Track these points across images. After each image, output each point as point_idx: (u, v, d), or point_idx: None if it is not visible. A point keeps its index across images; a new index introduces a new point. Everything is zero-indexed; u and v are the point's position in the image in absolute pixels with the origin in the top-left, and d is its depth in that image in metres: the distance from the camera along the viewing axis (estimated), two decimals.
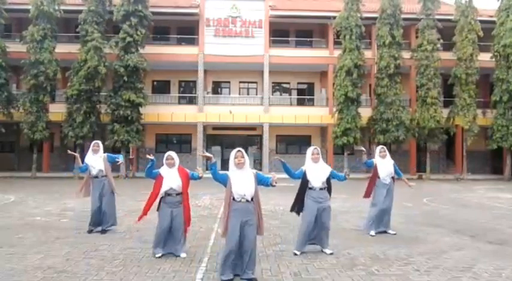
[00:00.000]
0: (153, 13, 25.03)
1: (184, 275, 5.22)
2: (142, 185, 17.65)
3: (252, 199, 4.93)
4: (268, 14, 27.02)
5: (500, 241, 7.46)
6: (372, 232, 7.77)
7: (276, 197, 12.73)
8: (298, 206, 6.41)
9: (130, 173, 24.45)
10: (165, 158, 6.15)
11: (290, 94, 30.31)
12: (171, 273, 5.30)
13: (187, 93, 29.72)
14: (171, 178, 6.01)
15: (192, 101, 28.76)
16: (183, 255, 6.02)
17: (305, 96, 29.86)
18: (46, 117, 23.60)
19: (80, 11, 23.57)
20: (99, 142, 8.07)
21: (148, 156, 6.38)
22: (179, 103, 28.75)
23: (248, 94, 29.76)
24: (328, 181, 6.36)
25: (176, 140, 29.39)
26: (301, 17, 27.65)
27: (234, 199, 4.90)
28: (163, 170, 6.10)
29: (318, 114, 27.30)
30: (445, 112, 25.27)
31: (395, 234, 7.84)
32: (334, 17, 25.29)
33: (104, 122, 24.31)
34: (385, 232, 7.89)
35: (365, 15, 25.13)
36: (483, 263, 5.89)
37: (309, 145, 29.36)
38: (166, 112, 26.50)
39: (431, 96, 24.37)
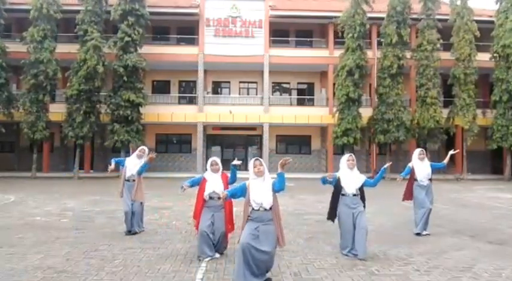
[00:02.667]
0: (153, 13, 25.02)
1: (184, 275, 5.23)
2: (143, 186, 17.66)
3: (270, 208, 4.90)
4: (268, 14, 27.01)
5: (500, 241, 7.46)
6: (424, 232, 7.86)
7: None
8: (332, 213, 6.44)
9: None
10: (209, 164, 6.27)
11: (290, 94, 30.32)
12: (171, 273, 5.31)
13: (187, 93, 29.72)
14: (214, 182, 6.14)
15: (192, 101, 28.76)
16: (217, 255, 6.07)
17: (305, 96, 29.85)
18: (46, 117, 23.58)
19: (78, 11, 23.57)
20: (145, 148, 8.04)
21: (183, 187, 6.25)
22: (179, 103, 28.75)
23: (248, 94, 29.76)
24: (361, 188, 6.37)
25: (176, 140, 29.39)
26: (301, 17, 27.64)
27: (252, 208, 4.92)
28: (208, 175, 6.25)
29: (318, 114, 27.29)
30: (444, 112, 25.25)
31: (429, 235, 7.85)
32: (335, 17, 25.25)
33: (104, 122, 24.29)
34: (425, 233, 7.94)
35: (369, 14, 25.03)
36: (483, 263, 5.89)
37: (309, 145, 29.44)
38: (166, 112, 26.50)
39: (431, 96, 24.36)
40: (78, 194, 14.66)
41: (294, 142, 29.44)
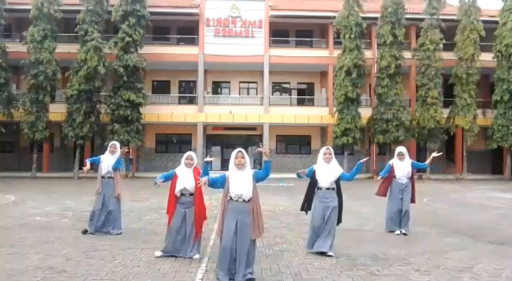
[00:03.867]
0: (153, 13, 25.04)
1: (184, 275, 5.22)
2: (142, 186, 17.66)
3: (249, 200, 4.90)
4: (268, 14, 27.02)
5: (500, 241, 7.46)
6: (402, 230, 7.85)
7: (276, 197, 12.74)
8: (306, 205, 6.40)
9: (130, 173, 24.46)
10: (184, 157, 6.11)
11: (290, 94, 30.31)
12: (171, 273, 5.30)
13: (187, 93, 29.72)
14: (185, 178, 5.99)
15: (192, 101, 28.76)
16: (196, 256, 5.96)
17: (305, 96, 29.85)
18: (46, 117, 23.57)
19: (79, 11, 23.57)
20: (117, 143, 7.98)
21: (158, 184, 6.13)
22: (179, 103, 28.75)
23: (248, 94, 29.76)
24: (337, 182, 6.33)
25: (176, 140, 29.39)
26: (301, 17, 27.64)
27: (231, 198, 4.89)
28: (180, 170, 6.08)
29: (318, 114, 27.29)
30: (445, 112, 25.26)
31: (406, 235, 7.81)
32: (334, 17, 25.29)
33: (104, 122, 24.29)
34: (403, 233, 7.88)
35: (365, 14, 25.12)
36: (483, 263, 5.89)
37: (309, 145, 29.43)
38: (166, 112, 26.50)
39: (431, 96, 24.35)
40: (78, 194, 14.65)
41: (294, 142, 29.44)
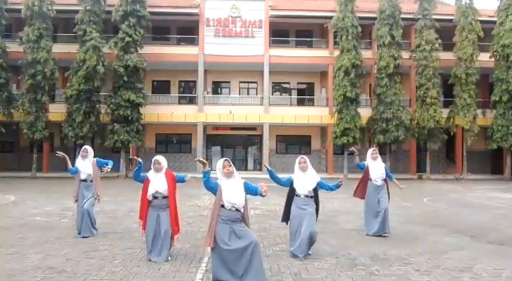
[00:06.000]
0: (153, 13, 25.02)
1: (184, 275, 5.23)
2: (142, 186, 17.66)
3: (241, 209, 4.87)
4: (268, 14, 27.01)
5: (500, 241, 7.46)
6: (369, 233, 7.79)
7: (276, 197, 12.72)
8: (286, 215, 6.40)
9: (130, 173, 24.44)
10: (152, 163, 6.09)
11: (290, 94, 30.31)
12: (171, 273, 5.31)
13: (187, 93, 29.72)
14: (157, 181, 5.98)
15: (192, 101, 28.76)
16: (167, 259, 5.84)
17: (305, 96, 29.85)
18: (45, 117, 23.56)
19: (77, 11, 23.55)
20: (88, 147, 8.00)
21: (135, 158, 6.24)
22: (179, 103, 28.74)
23: (248, 94, 29.76)
24: (315, 190, 6.33)
25: (176, 140, 29.39)
26: (301, 17, 27.63)
27: (223, 206, 4.83)
28: (151, 174, 6.07)
29: (318, 114, 27.29)
30: (445, 112, 25.26)
31: (386, 236, 7.66)
32: (331, 17, 25.32)
33: (104, 122, 24.28)
34: (380, 235, 7.72)
35: (364, 14, 25.14)
36: (483, 263, 5.89)
37: (309, 145, 29.44)
38: (166, 112, 26.50)
39: (430, 96, 24.37)
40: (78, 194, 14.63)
41: (294, 142, 29.44)
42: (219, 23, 27.21)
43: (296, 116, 27.04)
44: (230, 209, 4.81)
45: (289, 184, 6.36)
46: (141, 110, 24.34)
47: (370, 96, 27.56)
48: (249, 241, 4.70)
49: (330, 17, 25.81)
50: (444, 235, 7.98)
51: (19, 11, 24.58)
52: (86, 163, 7.74)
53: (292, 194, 6.35)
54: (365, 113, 25.33)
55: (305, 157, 6.49)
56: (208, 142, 28.78)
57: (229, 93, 29.60)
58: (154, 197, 5.99)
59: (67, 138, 23.76)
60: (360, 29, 24.58)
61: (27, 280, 4.97)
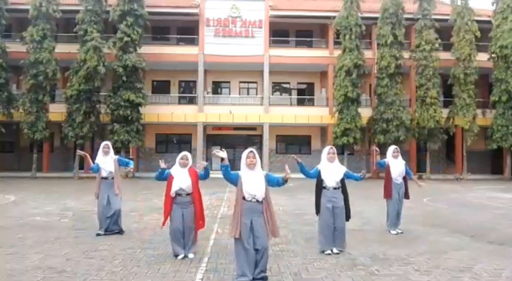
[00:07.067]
0: (153, 13, 25.03)
1: (184, 275, 5.22)
2: (142, 186, 17.68)
3: (262, 200, 4.91)
4: (268, 14, 27.01)
5: (500, 241, 7.45)
6: (393, 231, 7.90)
7: (276, 197, 12.73)
8: (318, 207, 6.42)
9: (130, 173, 24.41)
10: (179, 158, 6.10)
11: (290, 94, 30.31)
12: (171, 273, 5.31)
13: (187, 93, 29.72)
14: (181, 178, 5.98)
15: (192, 101, 28.76)
16: (190, 255, 6.01)
17: (305, 96, 29.86)
18: (46, 117, 23.57)
19: (78, 11, 23.55)
20: (109, 143, 7.98)
21: (161, 163, 6.08)
22: (179, 103, 28.75)
23: (248, 94, 29.76)
24: (342, 181, 6.35)
25: (176, 140, 29.38)
26: (301, 17, 27.64)
27: (244, 198, 4.89)
28: (175, 170, 6.07)
29: (318, 114, 27.29)
30: (444, 112, 25.27)
31: (397, 234, 7.87)
32: (334, 17, 25.31)
33: (104, 122, 24.29)
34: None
35: (365, 15, 25.15)
36: (483, 263, 5.89)
37: (309, 145, 29.44)
38: (166, 112, 26.50)
39: (430, 96, 24.38)
40: (78, 194, 14.65)
41: (294, 142, 29.45)
42: (219, 23, 27.22)
43: (296, 116, 27.04)
44: (251, 201, 4.87)
45: (317, 175, 6.34)
46: (141, 110, 24.34)
47: (370, 96, 27.56)
48: (260, 246, 4.84)
49: (330, 17, 25.82)
50: (444, 235, 7.97)
51: (19, 11, 24.64)
52: (107, 160, 7.66)
53: (320, 185, 6.35)
54: (365, 113, 25.33)
55: (333, 147, 6.53)
56: (208, 142, 28.77)
57: (229, 93, 29.61)
58: (178, 195, 5.99)
59: (67, 138, 23.77)
60: (364, 27, 24.56)
61: (27, 280, 4.97)
